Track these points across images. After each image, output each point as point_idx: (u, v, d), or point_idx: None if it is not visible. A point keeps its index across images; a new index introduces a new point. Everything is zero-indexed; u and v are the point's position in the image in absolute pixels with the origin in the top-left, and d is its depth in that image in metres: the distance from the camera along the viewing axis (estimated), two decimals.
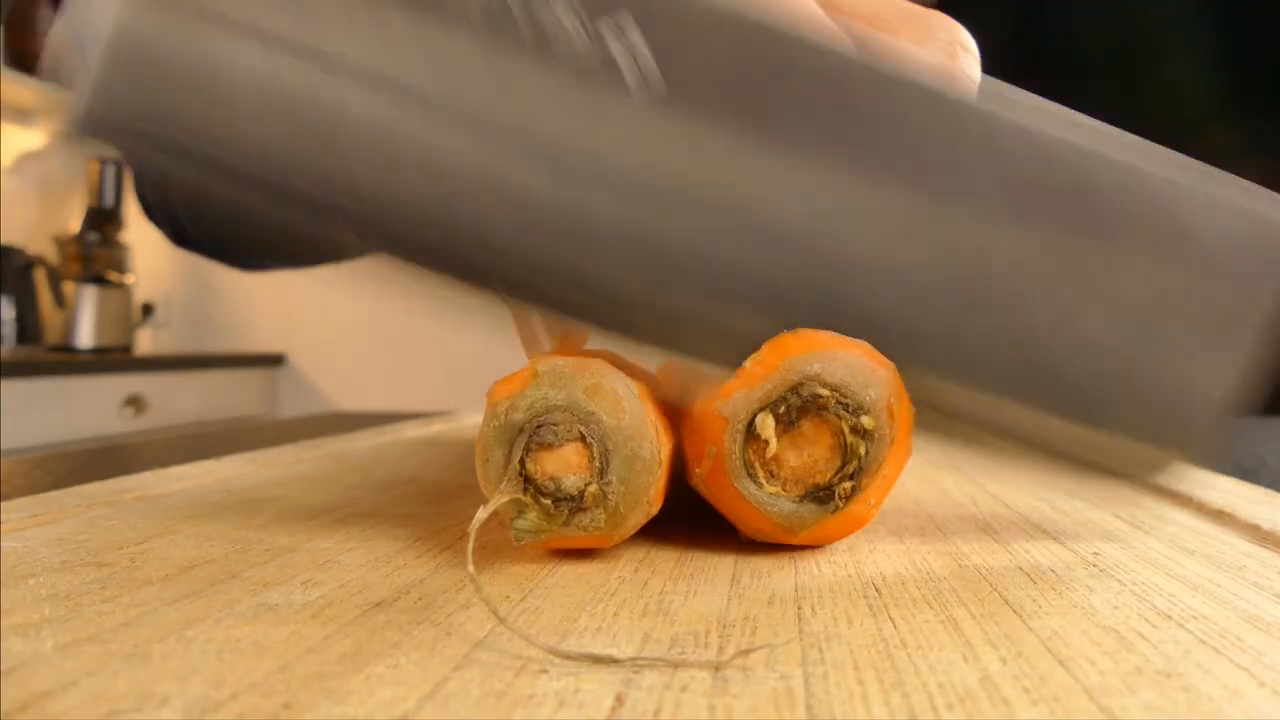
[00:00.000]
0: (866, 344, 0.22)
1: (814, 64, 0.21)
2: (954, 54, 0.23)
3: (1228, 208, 0.23)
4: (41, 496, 0.30)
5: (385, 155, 0.21)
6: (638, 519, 0.22)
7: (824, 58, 0.22)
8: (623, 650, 0.16)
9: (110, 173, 1.78)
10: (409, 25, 0.21)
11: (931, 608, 0.18)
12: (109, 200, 1.78)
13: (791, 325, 0.22)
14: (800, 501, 0.23)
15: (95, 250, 1.75)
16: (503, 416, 0.22)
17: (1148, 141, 0.23)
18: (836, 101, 0.22)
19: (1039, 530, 0.27)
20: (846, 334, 0.22)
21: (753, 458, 0.23)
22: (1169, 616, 0.18)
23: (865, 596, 0.19)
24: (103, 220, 1.77)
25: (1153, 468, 0.25)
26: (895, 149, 0.22)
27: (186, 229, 0.48)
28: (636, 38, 0.21)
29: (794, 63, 0.21)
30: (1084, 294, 0.23)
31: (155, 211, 0.49)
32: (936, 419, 0.23)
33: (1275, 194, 0.24)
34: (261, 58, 0.20)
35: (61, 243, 1.76)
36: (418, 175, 0.21)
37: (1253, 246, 0.23)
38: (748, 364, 0.22)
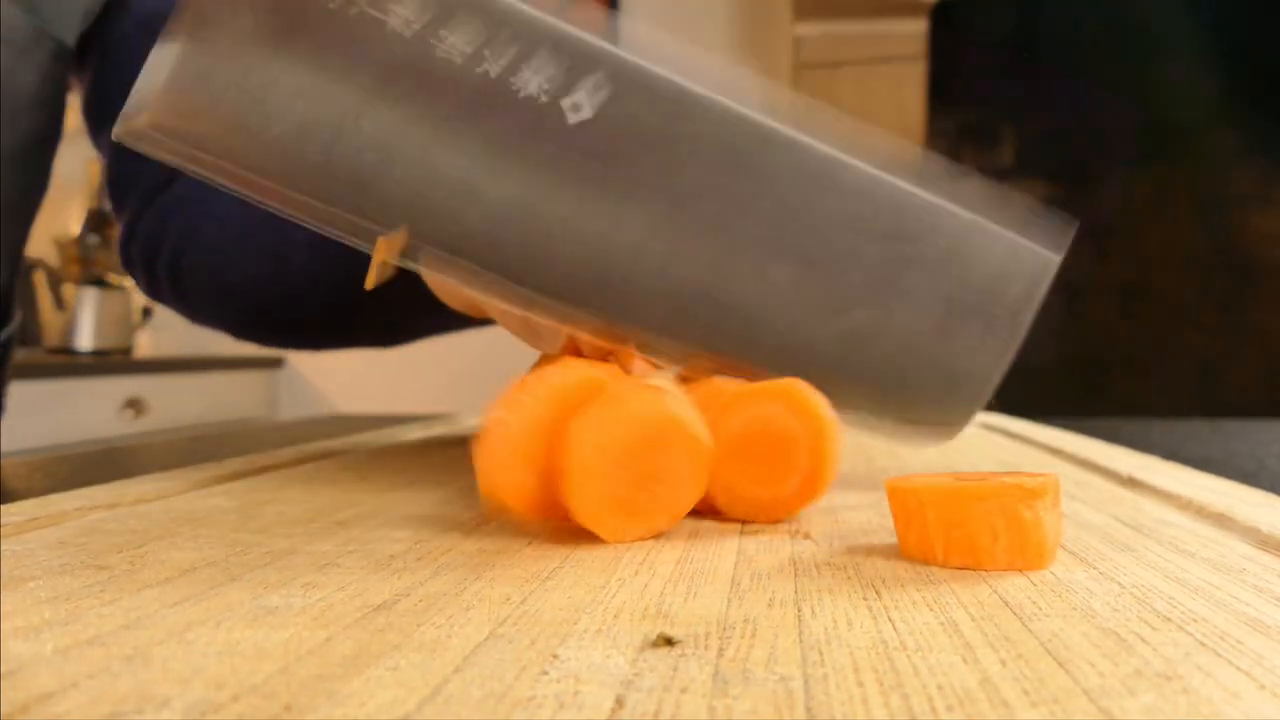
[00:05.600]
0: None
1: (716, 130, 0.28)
2: None
3: (999, 239, 0.30)
4: (41, 499, 0.30)
5: (407, 192, 0.27)
6: None
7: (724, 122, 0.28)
8: (623, 652, 0.16)
9: None
10: (424, 92, 0.26)
11: (931, 610, 0.18)
12: (109, 203, 1.78)
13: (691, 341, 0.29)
14: None
15: (95, 253, 1.75)
16: None
17: (947, 168, 0.30)
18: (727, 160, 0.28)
19: None
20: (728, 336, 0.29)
21: None
22: (1169, 619, 0.18)
23: (865, 599, 0.19)
24: (103, 223, 1.77)
25: (929, 427, 0.32)
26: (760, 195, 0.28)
27: (163, 290, 0.52)
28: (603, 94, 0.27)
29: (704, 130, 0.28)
30: (897, 301, 0.30)
31: (136, 266, 0.53)
32: None
33: (1036, 222, 0.31)
34: (302, 102, 0.26)
35: (61, 245, 1.77)
36: (437, 206, 0.27)
37: (1015, 269, 0.30)
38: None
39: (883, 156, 0.29)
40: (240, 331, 0.55)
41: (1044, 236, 0.31)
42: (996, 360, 0.31)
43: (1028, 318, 0.31)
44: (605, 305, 0.28)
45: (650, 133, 0.27)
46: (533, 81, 0.26)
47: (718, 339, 0.29)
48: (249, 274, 0.50)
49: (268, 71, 0.26)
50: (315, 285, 0.48)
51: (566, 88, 0.27)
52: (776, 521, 0.28)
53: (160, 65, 0.26)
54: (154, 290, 0.55)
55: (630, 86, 0.27)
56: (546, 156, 0.27)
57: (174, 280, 0.53)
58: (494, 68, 0.26)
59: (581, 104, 0.27)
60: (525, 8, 0.26)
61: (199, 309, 0.55)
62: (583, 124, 0.27)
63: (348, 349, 0.60)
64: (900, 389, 0.31)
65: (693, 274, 0.28)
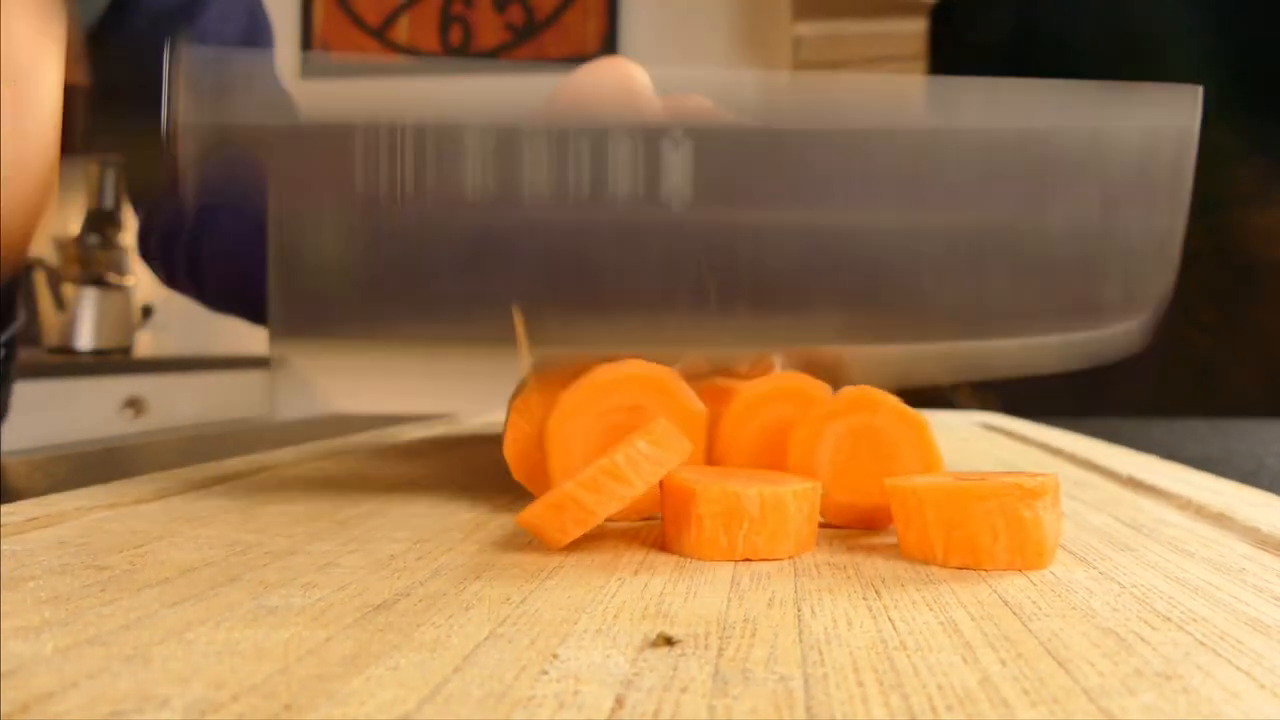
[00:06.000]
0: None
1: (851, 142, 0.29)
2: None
3: (1129, 105, 0.30)
4: (41, 499, 0.30)
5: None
6: None
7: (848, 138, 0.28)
8: (623, 652, 0.16)
9: (110, 175, 1.78)
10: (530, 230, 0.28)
11: (931, 609, 0.18)
12: (109, 202, 1.78)
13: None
14: None
15: (95, 252, 1.75)
16: None
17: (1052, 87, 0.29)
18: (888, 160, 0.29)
19: None
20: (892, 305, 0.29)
21: None
22: (1169, 619, 0.18)
23: (865, 598, 0.19)
24: (102, 222, 1.77)
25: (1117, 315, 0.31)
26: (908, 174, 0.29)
27: (181, 280, 0.53)
28: (687, 146, 0.28)
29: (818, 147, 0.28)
30: (1054, 214, 0.29)
31: (154, 258, 0.54)
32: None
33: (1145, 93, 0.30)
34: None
35: (61, 245, 1.76)
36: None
37: (1158, 130, 0.30)
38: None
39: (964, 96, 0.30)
40: (258, 317, 0.56)
41: (1172, 93, 0.30)
42: (1171, 225, 0.30)
43: (1188, 170, 0.30)
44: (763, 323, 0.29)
45: (748, 180, 0.28)
46: (622, 180, 0.28)
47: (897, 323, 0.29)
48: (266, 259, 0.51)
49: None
50: None
51: (654, 172, 0.28)
52: (873, 529, 0.27)
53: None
54: (172, 280, 0.56)
55: (713, 144, 0.28)
56: (669, 241, 0.28)
57: (191, 269, 0.53)
58: (582, 185, 0.28)
59: (679, 186, 0.28)
60: (574, 116, 0.28)
61: (216, 297, 0.55)
62: (687, 206, 0.28)
63: None
64: (1088, 291, 0.30)
65: (855, 278, 0.29)
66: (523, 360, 0.30)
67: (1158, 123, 0.30)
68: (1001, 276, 0.29)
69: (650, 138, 0.28)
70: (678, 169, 0.28)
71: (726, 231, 0.28)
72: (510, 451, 0.30)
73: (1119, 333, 0.31)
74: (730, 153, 0.28)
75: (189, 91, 0.28)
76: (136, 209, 0.57)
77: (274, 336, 0.29)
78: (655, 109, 0.31)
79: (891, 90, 0.29)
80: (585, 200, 0.28)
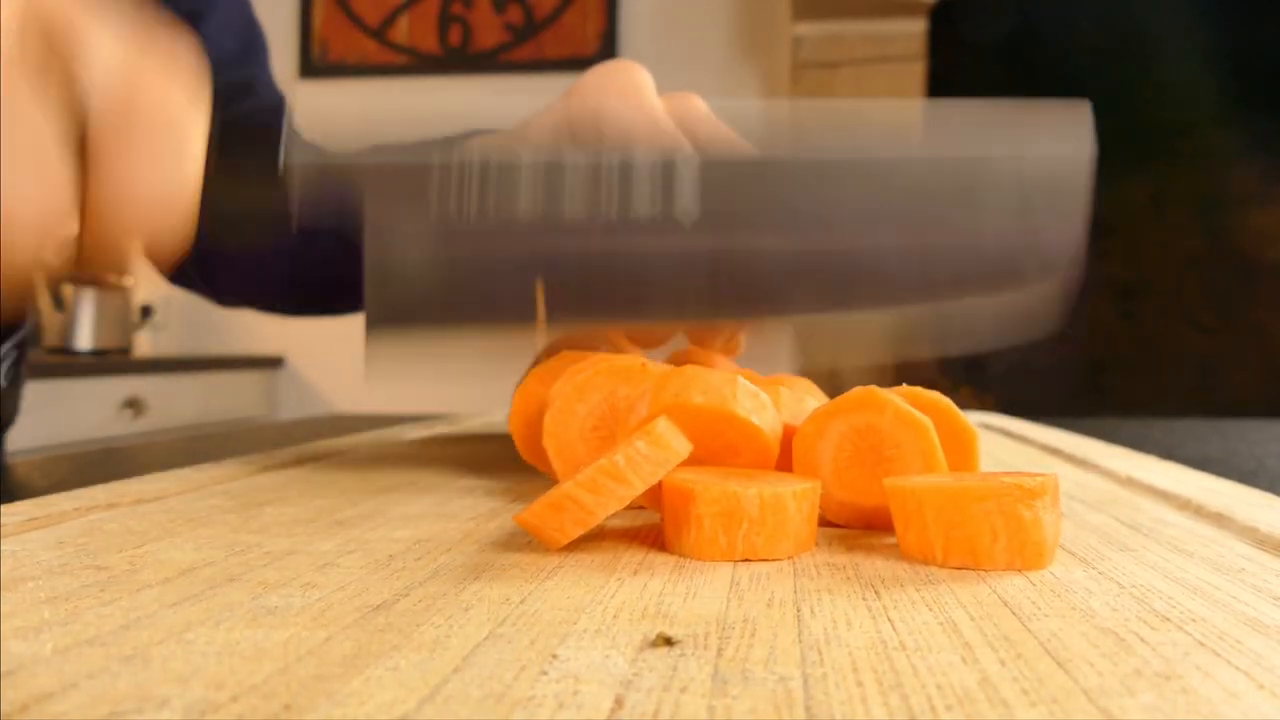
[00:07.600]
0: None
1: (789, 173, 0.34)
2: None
3: (1033, 162, 0.35)
4: (40, 499, 0.30)
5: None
6: None
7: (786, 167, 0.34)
8: (623, 652, 0.16)
9: None
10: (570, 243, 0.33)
11: (930, 609, 0.19)
12: None
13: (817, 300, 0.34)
14: None
15: None
16: None
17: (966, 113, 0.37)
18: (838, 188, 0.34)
19: None
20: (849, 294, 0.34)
21: None
22: (1168, 619, 0.18)
23: (864, 598, 0.19)
24: None
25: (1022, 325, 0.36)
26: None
27: (189, 276, 0.55)
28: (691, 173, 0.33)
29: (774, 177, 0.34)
30: (983, 216, 0.35)
31: (195, 282, 0.55)
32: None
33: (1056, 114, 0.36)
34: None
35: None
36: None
37: (1059, 168, 0.35)
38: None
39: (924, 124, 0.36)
40: (270, 305, 0.57)
41: (1067, 129, 0.36)
42: (1074, 228, 0.35)
43: (1085, 188, 0.35)
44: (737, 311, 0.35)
45: (744, 204, 0.34)
46: (643, 203, 0.33)
47: (842, 304, 0.34)
48: (280, 246, 0.51)
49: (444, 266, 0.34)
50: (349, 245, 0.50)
51: (668, 198, 0.33)
52: (875, 529, 0.27)
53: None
54: (180, 277, 0.56)
55: (715, 174, 0.33)
56: (675, 251, 0.34)
57: (200, 263, 0.54)
58: (611, 207, 0.33)
59: (688, 207, 0.33)
60: (610, 151, 0.33)
61: (226, 289, 0.56)
62: (694, 223, 0.33)
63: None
64: (1006, 278, 0.35)
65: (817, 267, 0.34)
66: (540, 337, 0.35)
67: (1059, 143, 0.36)
68: (943, 256, 0.35)
69: (667, 164, 0.33)
70: (688, 193, 0.33)
71: (724, 246, 0.33)
72: (516, 431, 0.33)
73: (1036, 302, 0.36)
74: (728, 180, 0.34)
75: (299, 141, 0.34)
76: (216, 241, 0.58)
77: (370, 331, 0.34)
78: (658, 108, 0.34)
79: (863, 118, 0.36)
80: (613, 220, 0.33)
